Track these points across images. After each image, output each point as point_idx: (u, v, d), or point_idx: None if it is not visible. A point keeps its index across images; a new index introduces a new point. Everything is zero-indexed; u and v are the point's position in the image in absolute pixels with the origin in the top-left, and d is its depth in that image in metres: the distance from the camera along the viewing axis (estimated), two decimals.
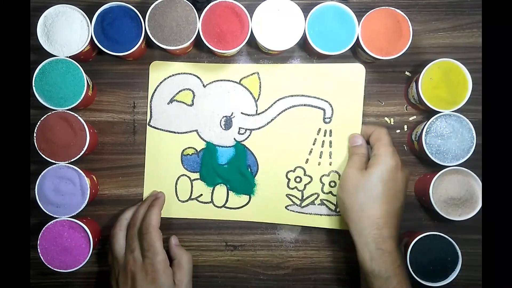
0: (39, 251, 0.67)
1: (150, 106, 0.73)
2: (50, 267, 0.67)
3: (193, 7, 0.68)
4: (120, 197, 0.74)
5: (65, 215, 0.68)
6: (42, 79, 0.67)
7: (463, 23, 0.75)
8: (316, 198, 0.72)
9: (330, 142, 0.71)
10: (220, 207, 0.73)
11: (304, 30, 0.68)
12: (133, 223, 0.68)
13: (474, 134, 0.68)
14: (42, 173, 0.67)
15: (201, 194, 0.73)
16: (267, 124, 0.72)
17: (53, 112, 0.67)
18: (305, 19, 0.68)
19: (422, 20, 0.74)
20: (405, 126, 0.74)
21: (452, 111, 0.68)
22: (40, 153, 0.67)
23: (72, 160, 0.68)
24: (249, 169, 0.72)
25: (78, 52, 0.68)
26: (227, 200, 0.72)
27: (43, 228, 0.67)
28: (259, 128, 0.72)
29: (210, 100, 0.72)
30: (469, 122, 0.68)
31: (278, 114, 0.72)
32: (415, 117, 0.74)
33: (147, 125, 0.72)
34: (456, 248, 0.68)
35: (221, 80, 0.72)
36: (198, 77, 0.72)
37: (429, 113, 0.71)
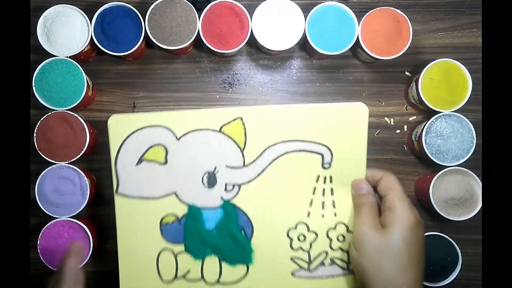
0: (39, 251, 0.67)
1: (116, 171, 0.61)
2: (50, 267, 0.67)
3: (193, 7, 0.68)
4: None
5: (65, 215, 0.68)
6: (42, 79, 0.67)
7: (463, 23, 0.75)
8: (325, 258, 0.62)
9: (332, 190, 0.62)
10: (213, 283, 0.62)
11: (304, 30, 0.68)
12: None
13: (474, 134, 0.68)
14: (42, 173, 0.67)
15: (189, 270, 0.61)
16: (258, 176, 0.62)
17: (53, 112, 0.67)
18: (305, 19, 0.68)
19: (422, 20, 0.74)
20: (405, 126, 0.74)
21: (452, 111, 0.68)
22: (40, 153, 0.67)
23: (72, 160, 0.68)
24: (243, 232, 0.62)
25: (78, 52, 0.68)
26: (220, 274, 0.61)
27: (43, 228, 0.67)
28: (249, 181, 0.62)
29: (187, 154, 0.61)
30: (469, 122, 0.68)
31: (270, 164, 0.62)
32: (415, 117, 0.74)
33: (115, 194, 0.61)
34: (456, 248, 0.68)
35: (198, 130, 0.61)
36: (169, 129, 0.61)
37: (429, 113, 0.71)
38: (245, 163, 0.62)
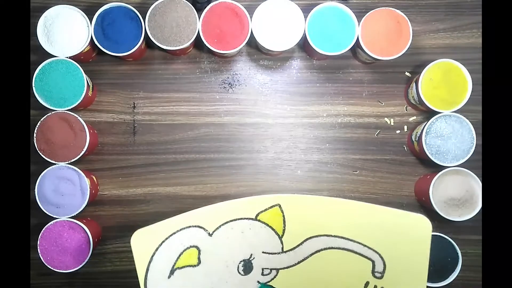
0: (39, 252, 0.67)
1: None
2: (50, 267, 0.67)
3: (193, 7, 0.68)
4: (120, 197, 0.74)
5: (65, 216, 0.68)
6: (42, 80, 0.67)
7: (463, 24, 0.75)
8: None
9: None
10: None
11: (304, 30, 0.68)
12: None
13: (474, 135, 0.68)
14: (42, 174, 0.67)
15: None
16: (298, 263, 0.57)
17: (53, 112, 0.67)
18: (305, 19, 0.68)
19: (422, 20, 0.74)
20: (405, 127, 0.74)
21: (452, 112, 0.68)
22: (40, 154, 0.67)
23: (72, 161, 0.68)
24: None
25: (78, 52, 0.68)
26: None
27: (43, 229, 0.67)
28: (288, 267, 0.57)
29: (221, 248, 0.56)
30: (469, 123, 0.68)
31: (311, 255, 0.57)
32: (415, 117, 0.74)
33: None
34: (456, 248, 0.67)
35: (231, 221, 0.57)
36: (201, 227, 0.56)
37: (429, 113, 0.71)
38: (284, 249, 0.57)
